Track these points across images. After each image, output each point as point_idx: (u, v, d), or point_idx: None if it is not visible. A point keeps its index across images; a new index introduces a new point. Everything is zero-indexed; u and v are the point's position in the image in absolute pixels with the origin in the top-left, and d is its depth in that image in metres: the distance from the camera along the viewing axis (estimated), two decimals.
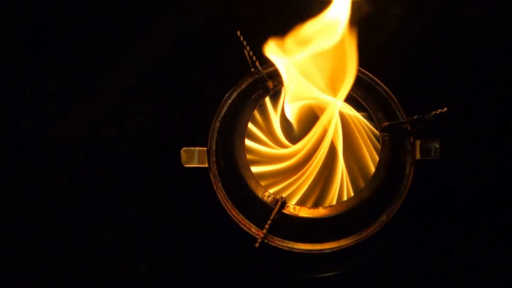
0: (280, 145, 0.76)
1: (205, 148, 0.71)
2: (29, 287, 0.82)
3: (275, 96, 0.74)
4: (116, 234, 0.85)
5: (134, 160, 0.89)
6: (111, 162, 0.89)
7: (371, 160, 0.74)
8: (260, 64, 0.73)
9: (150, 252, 0.84)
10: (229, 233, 0.78)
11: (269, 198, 0.68)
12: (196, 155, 0.71)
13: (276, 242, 0.68)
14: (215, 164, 0.71)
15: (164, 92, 0.94)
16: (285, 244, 0.68)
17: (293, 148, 0.75)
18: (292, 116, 0.75)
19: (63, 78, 0.94)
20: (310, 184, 0.73)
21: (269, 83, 0.72)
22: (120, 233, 0.85)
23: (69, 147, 0.90)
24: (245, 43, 0.72)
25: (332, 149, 0.75)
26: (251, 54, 0.72)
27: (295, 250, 0.68)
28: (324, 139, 0.74)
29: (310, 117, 0.76)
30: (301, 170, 0.73)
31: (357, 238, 0.68)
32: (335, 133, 0.74)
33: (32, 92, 0.94)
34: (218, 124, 0.73)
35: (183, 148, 0.71)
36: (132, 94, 0.94)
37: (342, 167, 0.73)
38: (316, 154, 0.73)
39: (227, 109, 0.74)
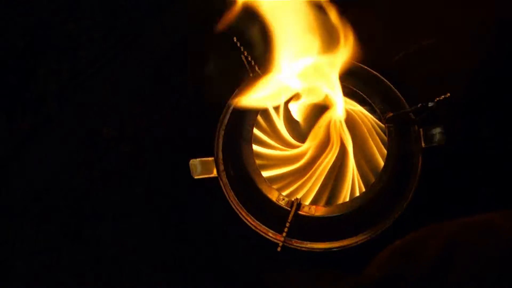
0: (288, 145, 0.76)
1: (212, 158, 0.71)
2: (29, 287, 0.82)
3: None
4: (116, 234, 0.85)
5: (134, 160, 0.89)
6: (111, 162, 0.89)
7: (378, 153, 0.74)
8: (259, 67, 0.73)
9: (150, 252, 0.83)
10: (245, 240, 0.76)
11: (284, 201, 0.68)
12: (204, 165, 0.71)
13: (295, 244, 0.68)
14: (224, 172, 0.71)
15: (164, 92, 0.94)
16: (304, 245, 0.68)
17: (301, 148, 0.74)
18: (298, 114, 0.75)
19: (63, 78, 0.94)
20: (322, 183, 0.73)
21: None
22: (120, 233, 0.85)
23: (69, 147, 0.90)
24: (242, 48, 0.71)
25: (341, 146, 0.75)
26: (249, 59, 0.72)
27: (315, 250, 0.68)
28: (333, 135, 0.74)
29: (316, 113, 0.76)
30: (311, 169, 0.73)
31: (375, 231, 0.69)
32: (343, 130, 0.74)
33: (32, 92, 0.94)
34: (222, 132, 0.73)
35: (191, 160, 0.71)
36: (132, 94, 0.94)
37: (353, 164, 0.73)
38: (326, 152, 0.73)
39: (230, 116, 0.74)
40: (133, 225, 0.85)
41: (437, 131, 0.72)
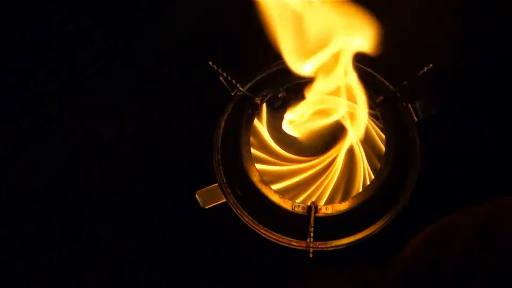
0: (281, 158, 0.76)
1: (216, 184, 0.70)
2: (29, 287, 0.82)
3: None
4: (116, 234, 0.85)
5: (134, 160, 0.89)
6: (111, 162, 0.89)
7: (378, 139, 0.75)
8: (240, 84, 0.72)
9: (150, 252, 0.83)
10: (269, 255, 0.76)
11: (299, 208, 0.68)
12: (211, 194, 0.70)
13: (320, 246, 0.68)
14: (231, 195, 0.70)
15: (164, 92, 0.94)
16: (329, 245, 0.68)
17: (309, 161, 0.74)
18: (295, 128, 0.75)
19: (63, 78, 0.94)
20: (335, 182, 0.73)
21: (257, 99, 0.72)
22: (120, 233, 0.85)
23: (69, 147, 0.90)
24: (220, 70, 0.71)
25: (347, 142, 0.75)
26: (229, 78, 0.71)
27: (340, 247, 0.68)
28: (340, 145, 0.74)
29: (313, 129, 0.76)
30: (324, 175, 0.73)
31: (394, 212, 0.70)
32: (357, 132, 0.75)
33: (32, 92, 0.94)
34: (219, 156, 0.72)
35: (197, 192, 0.70)
36: (132, 94, 0.94)
37: (362, 157, 0.74)
38: (334, 156, 0.73)
39: (222, 139, 0.73)
40: (133, 225, 0.85)
41: (424, 102, 0.74)
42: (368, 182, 0.73)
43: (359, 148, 0.74)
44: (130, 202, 0.86)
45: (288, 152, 0.76)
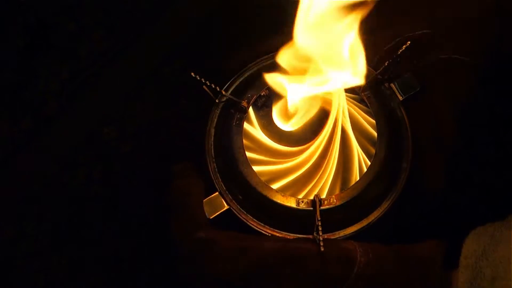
0: (277, 154, 0.75)
1: (217, 193, 0.70)
2: (29, 287, 0.82)
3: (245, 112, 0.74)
4: (116, 234, 0.85)
5: (134, 160, 0.89)
6: (111, 162, 0.89)
7: (366, 123, 0.75)
8: (224, 89, 0.72)
9: (150, 252, 0.84)
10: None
11: (304, 204, 0.68)
12: (213, 203, 0.70)
13: (328, 239, 0.68)
14: (233, 201, 0.70)
15: (164, 92, 0.94)
16: (336, 236, 0.69)
17: (303, 155, 0.74)
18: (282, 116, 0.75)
19: (63, 78, 0.94)
20: (334, 173, 0.73)
21: (243, 103, 0.72)
22: (120, 233, 0.85)
23: (69, 147, 0.90)
24: (203, 80, 0.71)
25: (336, 132, 0.75)
26: (213, 86, 0.71)
27: (348, 236, 0.68)
28: (335, 131, 0.74)
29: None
30: (322, 167, 0.73)
31: (394, 195, 0.70)
32: (342, 118, 0.75)
33: (32, 92, 0.94)
34: (214, 165, 0.72)
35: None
36: (132, 94, 0.94)
37: (356, 144, 0.74)
38: (330, 146, 0.73)
39: (214, 147, 0.73)
40: (133, 225, 0.85)
41: (406, 80, 0.74)
42: (364, 168, 0.73)
43: (350, 132, 0.74)
44: (130, 202, 0.86)
45: (281, 145, 0.75)
